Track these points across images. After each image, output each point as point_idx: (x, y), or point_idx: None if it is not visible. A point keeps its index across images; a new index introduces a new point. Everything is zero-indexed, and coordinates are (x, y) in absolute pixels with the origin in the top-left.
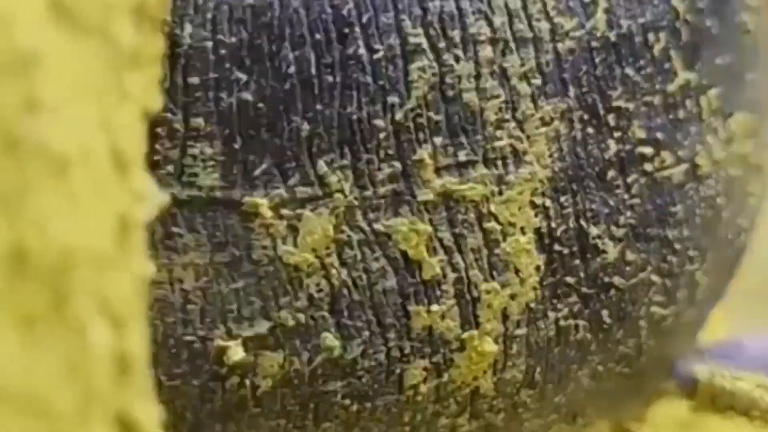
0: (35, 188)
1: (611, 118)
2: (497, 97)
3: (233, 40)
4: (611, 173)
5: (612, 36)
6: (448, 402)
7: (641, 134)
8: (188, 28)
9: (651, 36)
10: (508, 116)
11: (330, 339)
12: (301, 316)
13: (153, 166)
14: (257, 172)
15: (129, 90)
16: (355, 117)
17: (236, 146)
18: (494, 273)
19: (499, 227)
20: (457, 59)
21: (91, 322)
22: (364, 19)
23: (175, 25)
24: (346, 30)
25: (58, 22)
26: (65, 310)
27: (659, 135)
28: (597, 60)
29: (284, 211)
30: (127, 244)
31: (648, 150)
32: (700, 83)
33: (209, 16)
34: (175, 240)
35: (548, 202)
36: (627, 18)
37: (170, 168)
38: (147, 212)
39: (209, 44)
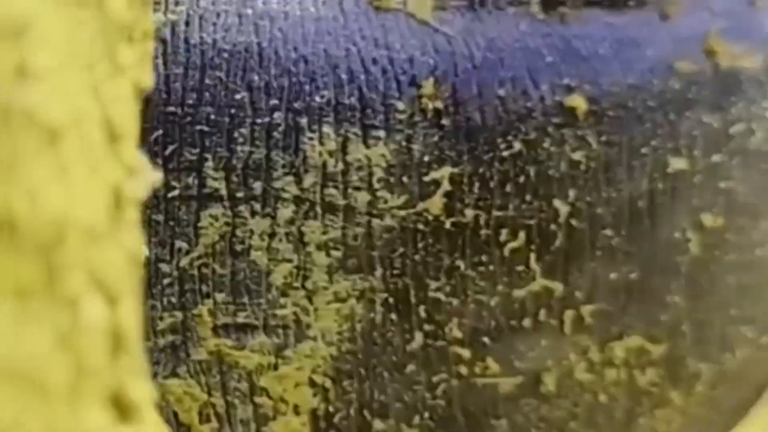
0: (26, 157)
1: (422, 309)
2: (289, 261)
3: None
4: (411, 367)
5: (447, 223)
6: None
7: (459, 334)
8: None
9: (505, 232)
10: (297, 284)
11: None
12: None
13: None
14: None
15: (121, 63)
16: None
17: None
18: None
19: (270, 403)
20: (253, 213)
21: (84, 296)
22: (167, 152)
23: None
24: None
25: None
26: (58, 283)
27: (486, 339)
28: (420, 245)
29: None
30: (120, 218)
31: (466, 352)
32: (570, 295)
33: None
34: None
35: (328, 383)
36: (476, 208)
37: None
38: (140, 188)
39: None
